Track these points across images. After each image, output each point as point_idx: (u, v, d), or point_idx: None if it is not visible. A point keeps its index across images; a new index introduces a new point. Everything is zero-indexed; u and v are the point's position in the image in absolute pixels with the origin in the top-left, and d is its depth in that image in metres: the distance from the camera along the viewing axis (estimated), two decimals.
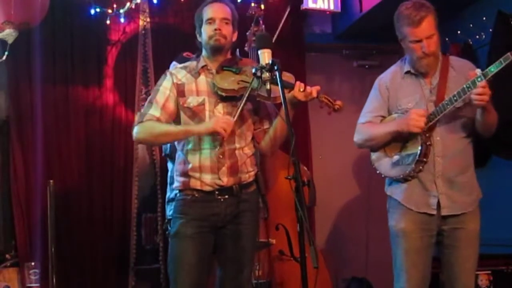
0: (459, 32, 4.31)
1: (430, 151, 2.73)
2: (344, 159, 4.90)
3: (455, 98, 2.64)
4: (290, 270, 3.53)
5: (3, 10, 3.61)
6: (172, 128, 2.64)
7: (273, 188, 3.73)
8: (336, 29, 5.14)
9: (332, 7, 4.67)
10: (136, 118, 2.72)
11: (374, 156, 2.91)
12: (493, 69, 2.55)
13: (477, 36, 4.15)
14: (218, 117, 2.58)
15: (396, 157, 2.81)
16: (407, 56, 2.90)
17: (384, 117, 2.90)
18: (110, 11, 4.21)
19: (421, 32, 2.71)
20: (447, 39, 4.38)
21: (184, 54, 3.41)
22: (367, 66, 5.13)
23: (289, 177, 2.18)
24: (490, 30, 3.95)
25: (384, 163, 2.86)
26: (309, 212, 4.14)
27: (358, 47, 5.12)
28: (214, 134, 2.58)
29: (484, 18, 4.09)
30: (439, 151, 2.75)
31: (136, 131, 2.65)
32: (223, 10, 2.71)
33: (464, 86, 2.60)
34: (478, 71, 2.58)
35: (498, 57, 2.74)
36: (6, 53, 3.80)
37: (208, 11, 2.71)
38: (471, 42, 4.21)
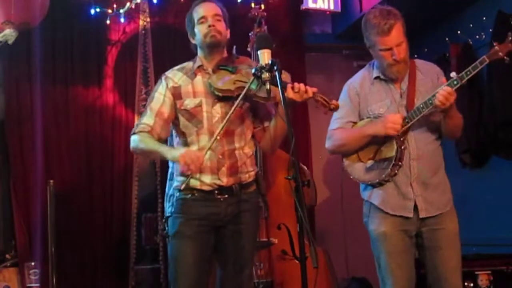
0: (459, 32, 4.30)
1: (404, 155, 2.74)
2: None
3: (430, 101, 2.66)
4: (291, 269, 3.53)
5: (3, 10, 3.61)
6: (157, 146, 2.65)
7: (275, 188, 3.74)
8: (336, 29, 5.14)
9: (332, 7, 4.67)
10: (134, 126, 2.75)
11: (346, 162, 2.91)
12: (469, 72, 2.60)
13: (477, 36, 4.15)
14: (190, 151, 2.57)
15: (370, 162, 2.81)
16: (375, 61, 2.90)
17: (354, 122, 2.89)
18: (110, 11, 4.21)
19: (391, 40, 2.72)
20: (447, 39, 4.39)
21: None
22: None
23: (289, 177, 2.18)
24: (490, 30, 3.95)
25: (357, 168, 2.86)
26: (309, 212, 4.14)
27: (358, 47, 5.09)
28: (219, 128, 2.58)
29: (484, 18, 4.09)
30: (414, 154, 2.76)
31: (131, 141, 2.72)
32: (213, 7, 2.73)
33: (440, 89, 2.62)
34: (454, 74, 2.62)
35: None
36: None
37: (199, 11, 2.72)
38: (471, 42, 4.21)
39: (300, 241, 2.21)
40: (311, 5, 4.65)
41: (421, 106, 2.70)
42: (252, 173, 2.74)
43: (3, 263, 3.98)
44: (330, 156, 4.86)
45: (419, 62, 2.93)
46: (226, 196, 2.64)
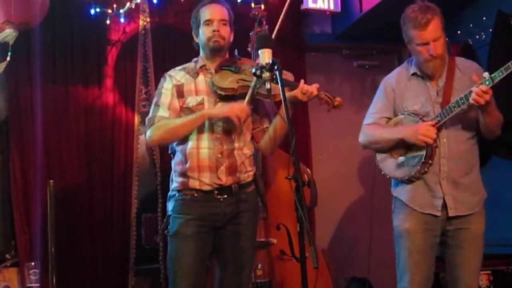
0: (459, 32, 4.31)
1: (435, 153, 2.73)
2: (344, 159, 4.90)
3: (462, 101, 2.65)
4: (291, 270, 3.53)
5: (3, 10, 3.61)
6: (185, 118, 2.63)
7: (274, 188, 3.73)
8: (336, 29, 5.14)
9: (332, 7, 4.67)
10: (146, 123, 2.73)
11: (379, 157, 2.92)
12: (501, 73, 2.58)
13: (477, 36, 4.15)
14: (233, 103, 2.58)
15: (401, 159, 2.81)
16: (413, 58, 2.89)
17: (389, 118, 2.89)
18: (110, 11, 4.21)
19: (428, 34, 2.72)
20: (447, 39, 4.38)
21: None
22: (367, 66, 5.13)
23: (289, 177, 2.18)
24: (490, 30, 3.95)
25: (389, 164, 2.86)
26: (309, 212, 4.14)
27: (358, 47, 5.12)
28: (227, 121, 2.60)
29: (484, 18, 4.09)
30: (445, 153, 2.75)
31: (149, 134, 2.66)
32: (221, 11, 2.72)
33: (472, 88, 2.60)
34: (486, 75, 2.59)
35: (498, 57, 2.75)
36: (9, 53, 3.79)
37: (206, 13, 2.72)
38: (471, 42, 4.21)
39: (300, 241, 2.21)
40: (311, 5, 4.65)
41: (453, 105, 2.68)
42: (251, 173, 2.74)
43: (3, 263, 3.97)
44: (330, 156, 4.91)
45: (459, 60, 2.92)
46: (226, 196, 2.65)
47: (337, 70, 5.12)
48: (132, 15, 4.40)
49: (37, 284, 3.69)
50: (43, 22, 3.97)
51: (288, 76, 2.61)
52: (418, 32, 2.73)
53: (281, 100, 2.32)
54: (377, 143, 2.89)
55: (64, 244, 3.98)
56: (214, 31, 2.68)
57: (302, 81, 2.57)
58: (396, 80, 2.93)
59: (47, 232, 3.63)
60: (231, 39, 2.79)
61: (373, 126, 2.91)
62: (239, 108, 2.53)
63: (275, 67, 2.35)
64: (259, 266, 3.57)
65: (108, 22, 4.26)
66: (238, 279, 2.68)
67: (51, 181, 3.67)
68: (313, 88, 2.53)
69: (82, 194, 4.22)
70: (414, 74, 2.88)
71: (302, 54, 4.94)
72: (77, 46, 4.31)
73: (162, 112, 2.66)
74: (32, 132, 4.12)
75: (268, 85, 2.37)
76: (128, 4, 4.21)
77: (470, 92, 2.61)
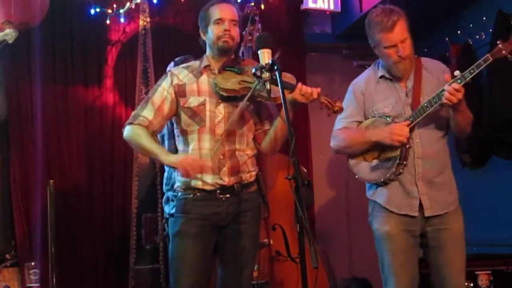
0: (459, 32, 4.31)
1: (409, 154, 2.74)
2: (344, 159, 4.89)
3: (434, 100, 2.66)
4: (289, 270, 3.53)
5: (3, 10, 3.61)
6: (151, 145, 2.63)
7: (270, 189, 3.73)
8: (336, 29, 5.14)
9: (332, 7, 4.67)
10: (130, 116, 2.72)
11: (352, 161, 2.90)
12: (472, 71, 2.60)
13: (477, 36, 4.15)
14: (187, 157, 2.58)
15: (375, 162, 2.81)
16: (380, 61, 2.90)
17: (360, 122, 2.89)
18: (110, 11, 4.21)
19: (395, 37, 2.72)
20: (447, 39, 4.39)
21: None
22: (367, 66, 5.08)
23: (289, 177, 2.17)
24: (490, 30, 3.95)
25: (363, 168, 2.86)
26: (308, 212, 4.14)
27: (358, 47, 5.11)
28: (221, 128, 2.60)
29: (484, 18, 4.09)
30: (419, 153, 2.76)
31: (125, 131, 2.67)
32: (231, 11, 2.71)
33: (444, 87, 2.62)
34: (458, 73, 2.61)
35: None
36: None
37: (217, 11, 2.70)
38: (471, 42, 4.21)
39: (300, 241, 2.20)
40: (311, 5, 4.65)
41: (425, 104, 2.69)
42: (253, 173, 2.74)
43: (3, 263, 3.98)
44: (330, 156, 4.90)
45: (425, 60, 2.91)
46: (228, 195, 2.64)
47: (337, 70, 5.12)
48: (132, 15, 4.41)
49: (37, 284, 3.68)
50: (43, 22, 3.97)
51: (289, 78, 2.61)
52: (385, 35, 2.73)
53: (281, 103, 2.31)
54: (350, 147, 2.88)
55: (64, 244, 3.98)
56: (225, 30, 2.67)
57: (300, 83, 2.56)
58: (365, 83, 2.93)
59: (47, 232, 3.64)
60: (239, 40, 2.78)
61: (344, 130, 2.90)
62: (190, 162, 2.52)
63: (275, 67, 2.34)
64: (256, 267, 3.56)
65: (108, 22, 4.26)
66: (239, 279, 2.67)
67: (51, 181, 3.67)
68: (313, 91, 2.52)
69: (82, 194, 4.22)
70: (382, 76, 2.88)
71: (302, 54, 4.94)
72: (77, 46, 4.32)
73: (147, 113, 2.65)
74: (32, 132, 4.12)
75: (268, 86, 2.37)
76: (128, 4, 4.21)
77: (443, 91, 2.62)
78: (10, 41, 3.74)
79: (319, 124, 4.82)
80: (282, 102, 2.30)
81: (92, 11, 4.19)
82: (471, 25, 4.23)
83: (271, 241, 3.65)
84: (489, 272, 3.55)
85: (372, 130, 2.81)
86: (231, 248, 2.67)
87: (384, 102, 2.83)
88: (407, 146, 2.72)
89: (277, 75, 2.33)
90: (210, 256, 2.66)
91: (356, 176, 2.90)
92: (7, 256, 4.01)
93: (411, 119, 2.72)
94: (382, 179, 2.78)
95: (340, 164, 4.94)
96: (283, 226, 3.62)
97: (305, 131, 4.82)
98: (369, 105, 2.87)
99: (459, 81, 2.61)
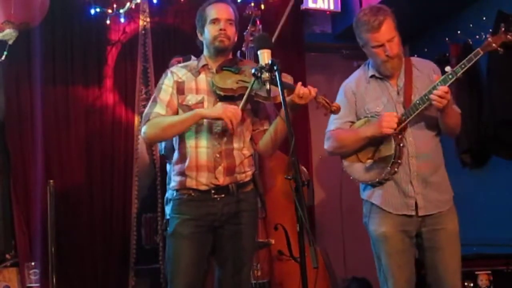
0: (459, 32, 4.30)
1: (403, 152, 2.74)
2: None
3: (426, 97, 2.67)
4: (289, 270, 3.53)
5: (3, 10, 3.61)
6: (179, 116, 2.63)
7: (272, 188, 3.73)
8: (336, 29, 5.14)
9: (332, 7, 4.68)
10: (142, 118, 2.72)
11: (346, 162, 2.90)
12: (463, 65, 2.61)
13: (477, 36, 4.14)
14: (227, 106, 2.55)
15: (369, 162, 2.81)
16: (370, 60, 2.90)
17: (352, 122, 2.89)
18: (110, 11, 4.22)
19: (382, 36, 2.73)
20: (447, 39, 4.39)
21: (174, 60, 3.43)
22: None
23: (289, 177, 2.17)
24: (490, 30, 3.94)
25: (357, 169, 2.86)
26: (309, 212, 4.14)
27: (358, 47, 5.10)
28: (219, 126, 2.58)
29: (484, 18, 4.09)
30: (413, 152, 2.76)
31: (144, 130, 2.65)
32: (227, 11, 2.72)
33: (435, 84, 2.63)
34: (448, 69, 2.63)
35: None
36: (5, 53, 3.80)
37: (213, 11, 2.71)
38: (471, 42, 4.21)
39: (300, 241, 2.20)
40: (311, 5, 4.66)
41: (418, 102, 2.70)
42: (249, 173, 2.73)
43: (3, 263, 3.97)
44: (330, 156, 4.91)
45: (415, 59, 2.93)
46: (223, 195, 2.64)
47: (337, 70, 5.12)
48: (132, 15, 4.41)
49: (37, 284, 3.69)
50: (43, 22, 3.98)
51: (288, 79, 2.61)
52: (372, 35, 2.74)
53: (280, 102, 2.31)
54: (344, 147, 2.88)
55: (64, 244, 3.98)
56: (220, 30, 2.67)
57: (300, 83, 2.55)
58: (356, 83, 2.93)
59: (47, 232, 3.63)
60: (236, 39, 2.78)
61: (337, 131, 2.91)
62: (232, 111, 2.51)
63: (275, 68, 2.34)
64: (258, 266, 3.57)
65: (108, 22, 4.26)
66: (237, 279, 2.67)
67: (51, 181, 3.67)
68: (311, 91, 2.52)
69: (82, 194, 4.22)
70: (372, 76, 2.89)
71: (302, 54, 4.94)
72: (77, 46, 4.32)
73: (159, 109, 2.65)
74: (32, 132, 4.12)
75: (267, 86, 2.37)
76: (128, 4, 4.22)
77: (434, 87, 2.63)
78: (10, 42, 3.74)
79: (319, 124, 4.81)
80: (282, 101, 2.30)
81: (92, 11, 4.20)
82: (471, 25, 4.23)
83: (273, 241, 3.66)
84: (489, 272, 3.55)
85: (364, 127, 2.82)
86: (229, 249, 2.66)
87: (376, 101, 2.84)
88: (401, 145, 2.72)
89: (277, 76, 2.33)
90: (205, 256, 2.66)
91: (351, 177, 2.90)
92: (7, 256, 4.01)
93: (404, 117, 2.73)
94: (377, 179, 2.78)
95: (339, 164, 4.96)
96: (285, 226, 3.62)
97: (305, 131, 4.81)
98: (360, 105, 2.88)
99: (450, 76, 2.62)
